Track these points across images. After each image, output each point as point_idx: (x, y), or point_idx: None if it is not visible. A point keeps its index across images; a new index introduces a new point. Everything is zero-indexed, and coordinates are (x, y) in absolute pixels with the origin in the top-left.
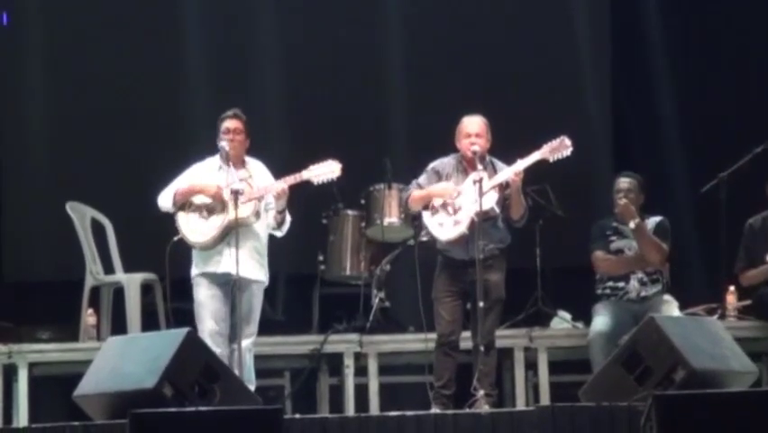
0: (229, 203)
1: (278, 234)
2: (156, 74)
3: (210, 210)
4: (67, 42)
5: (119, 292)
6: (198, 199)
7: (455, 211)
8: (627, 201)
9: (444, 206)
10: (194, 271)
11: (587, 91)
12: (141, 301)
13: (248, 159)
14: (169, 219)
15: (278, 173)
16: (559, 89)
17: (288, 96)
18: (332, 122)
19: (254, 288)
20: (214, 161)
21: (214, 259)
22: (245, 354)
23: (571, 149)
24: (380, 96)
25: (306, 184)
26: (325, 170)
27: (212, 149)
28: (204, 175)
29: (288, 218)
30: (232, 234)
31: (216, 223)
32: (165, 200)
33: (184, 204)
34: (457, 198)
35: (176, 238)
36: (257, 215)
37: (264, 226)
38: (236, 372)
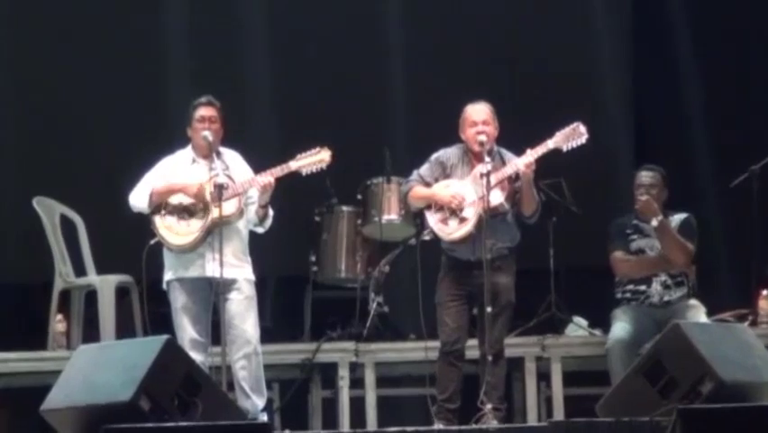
0: (211, 199)
1: (260, 229)
2: (133, 61)
3: (190, 211)
4: (37, 32)
5: (91, 296)
6: (176, 200)
7: (461, 208)
8: (649, 197)
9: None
10: (168, 275)
11: (606, 78)
12: (116, 306)
13: (223, 149)
14: (146, 216)
15: (265, 164)
16: (576, 76)
17: (277, 79)
18: (325, 109)
19: (244, 286)
20: (185, 154)
21: (193, 262)
22: (244, 362)
23: (586, 136)
24: (379, 80)
25: (294, 176)
26: (315, 159)
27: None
28: (177, 170)
29: (271, 213)
30: (214, 234)
31: (198, 223)
32: (139, 200)
33: (160, 204)
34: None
35: (152, 241)
36: (241, 212)
37: (245, 223)
38: (240, 383)
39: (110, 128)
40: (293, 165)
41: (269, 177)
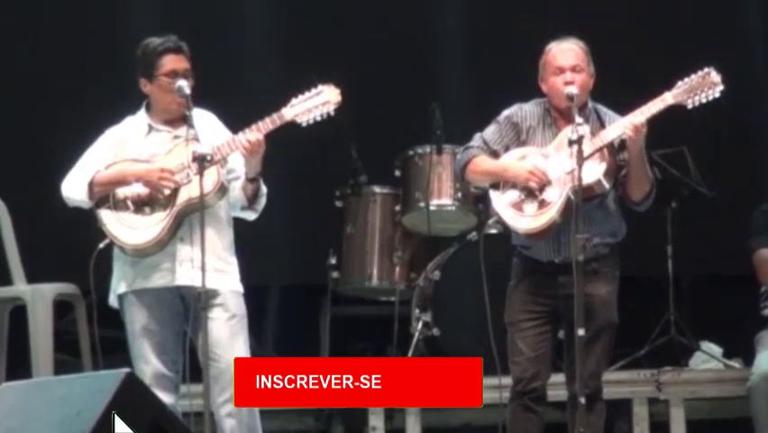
0: (186, 178)
1: (251, 215)
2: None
3: (150, 203)
4: None
5: (19, 312)
6: (130, 190)
7: (541, 187)
8: None
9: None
10: (121, 286)
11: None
12: (55, 326)
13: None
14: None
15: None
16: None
17: (283, 12)
18: (347, 50)
19: (230, 301)
20: (137, 122)
21: (157, 266)
22: (231, 408)
23: (720, 87)
24: (426, 8)
25: (292, 129)
26: (316, 102)
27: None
28: (127, 145)
29: (264, 189)
30: (191, 222)
31: (163, 213)
32: (75, 191)
33: (107, 196)
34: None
35: (102, 245)
36: (222, 190)
37: (226, 207)
38: None
39: (47, 101)
40: (287, 114)
41: (254, 133)
